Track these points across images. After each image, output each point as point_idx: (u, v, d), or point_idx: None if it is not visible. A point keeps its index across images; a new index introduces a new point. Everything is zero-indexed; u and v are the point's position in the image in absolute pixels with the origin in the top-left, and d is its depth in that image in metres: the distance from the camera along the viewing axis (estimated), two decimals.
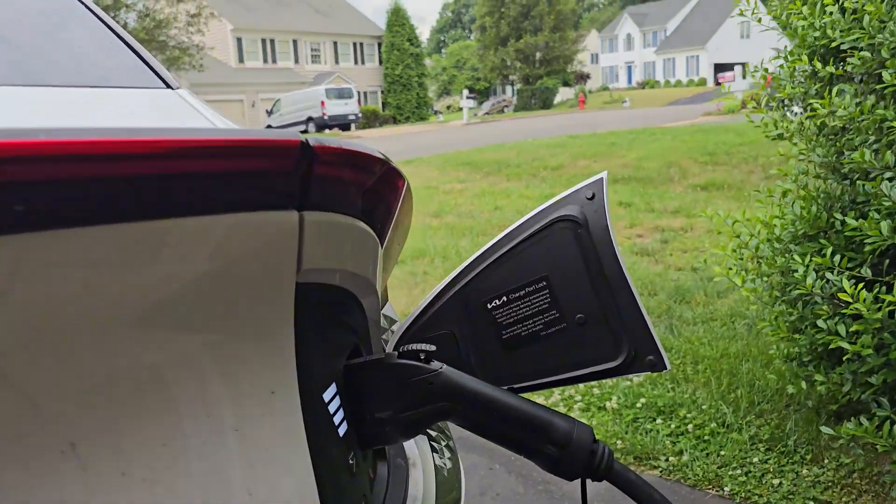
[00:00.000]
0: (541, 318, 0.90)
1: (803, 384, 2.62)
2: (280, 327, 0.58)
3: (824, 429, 2.35)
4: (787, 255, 2.55)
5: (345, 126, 31.51)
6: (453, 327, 0.91)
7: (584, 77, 53.94)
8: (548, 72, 44.35)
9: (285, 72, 36.88)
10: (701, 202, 8.03)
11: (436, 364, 0.77)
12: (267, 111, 33.37)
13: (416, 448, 0.96)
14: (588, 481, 0.80)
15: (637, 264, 5.78)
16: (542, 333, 0.91)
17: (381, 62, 40.89)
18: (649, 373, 0.92)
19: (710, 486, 2.57)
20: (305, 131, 32.26)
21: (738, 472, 2.62)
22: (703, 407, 3.12)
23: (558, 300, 0.90)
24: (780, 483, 2.54)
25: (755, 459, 2.68)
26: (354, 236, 0.69)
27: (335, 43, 39.72)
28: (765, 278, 2.67)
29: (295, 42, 38.21)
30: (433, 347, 0.78)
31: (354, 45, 40.51)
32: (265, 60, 37.04)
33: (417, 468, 0.92)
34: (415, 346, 0.77)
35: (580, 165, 11.22)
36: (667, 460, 2.73)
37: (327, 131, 30.47)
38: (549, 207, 0.91)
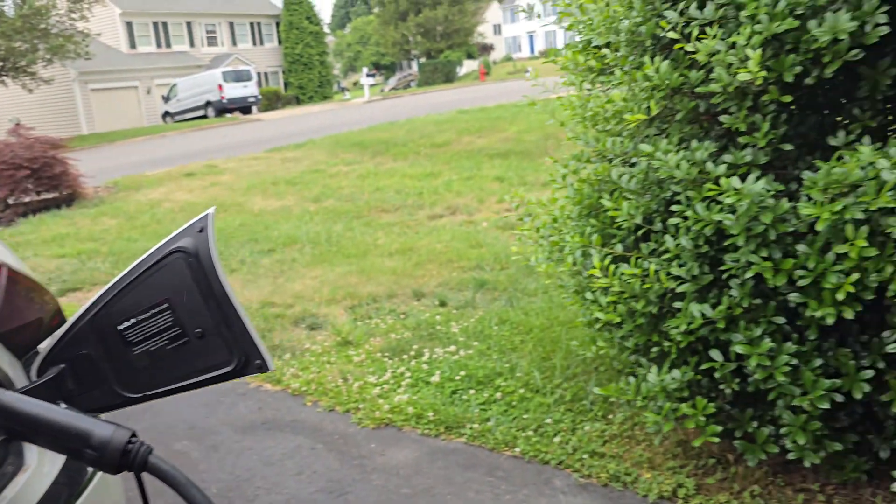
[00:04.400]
0: (166, 334, 1.07)
1: (593, 348, 2.90)
2: None
3: (596, 389, 2.63)
4: (560, 234, 2.81)
5: (245, 109, 30.83)
6: (90, 348, 1.08)
7: (487, 48, 54.22)
8: (449, 45, 44.36)
9: (181, 55, 35.60)
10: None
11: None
12: (163, 97, 32.25)
13: (41, 455, 1.10)
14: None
15: (498, 239, 6.02)
16: (168, 347, 1.08)
17: (280, 42, 40.00)
18: (257, 373, 1.10)
19: (506, 448, 2.82)
20: (205, 116, 30.63)
21: (531, 433, 2.88)
22: (519, 375, 3.38)
23: (180, 318, 1.07)
24: (569, 440, 2.81)
25: (550, 420, 2.95)
26: None
27: (231, 24, 38.55)
28: (547, 254, 2.93)
29: (189, 24, 36.88)
30: None
31: (252, 25, 39.42)
32: (158, 45, 35.59)
33: (26, 473, 1.07)
34: None
35: (465, 141, 11.45)
36: (471, 427, 2.97)
37: (227, 115, 29.73)
38: (168, 241, 1.08)
